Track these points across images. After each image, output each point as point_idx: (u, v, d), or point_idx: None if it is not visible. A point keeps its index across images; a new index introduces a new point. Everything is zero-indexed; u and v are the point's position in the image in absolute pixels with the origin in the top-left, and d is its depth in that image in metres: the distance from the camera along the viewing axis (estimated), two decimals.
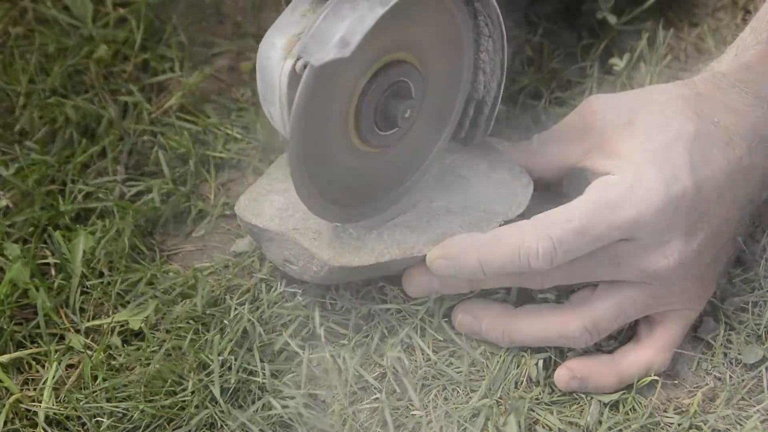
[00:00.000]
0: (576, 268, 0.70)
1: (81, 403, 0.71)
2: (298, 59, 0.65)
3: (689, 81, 0.74)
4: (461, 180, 0.76)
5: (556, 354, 0.73)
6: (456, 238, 0.71)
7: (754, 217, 0.79)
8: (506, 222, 0.73)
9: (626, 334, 0.74)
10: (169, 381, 0.71)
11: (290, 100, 0.67)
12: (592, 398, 0.71)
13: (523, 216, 0.72)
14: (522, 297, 0.74)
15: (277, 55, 0.68)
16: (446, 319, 0.74)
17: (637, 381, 0.71)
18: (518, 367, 0.72)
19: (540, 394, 0.72)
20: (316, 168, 0.68)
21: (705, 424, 0.71)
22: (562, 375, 0.71)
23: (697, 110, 0.71)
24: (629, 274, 0.70)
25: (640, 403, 0.72)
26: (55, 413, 0.71)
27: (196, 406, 0.70)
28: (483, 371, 0.72)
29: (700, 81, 0.74)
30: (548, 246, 0.68)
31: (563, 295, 0.73)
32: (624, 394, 0.72)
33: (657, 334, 0.72)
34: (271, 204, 0.75)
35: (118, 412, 0.70)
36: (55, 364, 0.73)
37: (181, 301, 0.75)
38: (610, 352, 0.73)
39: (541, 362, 0.72)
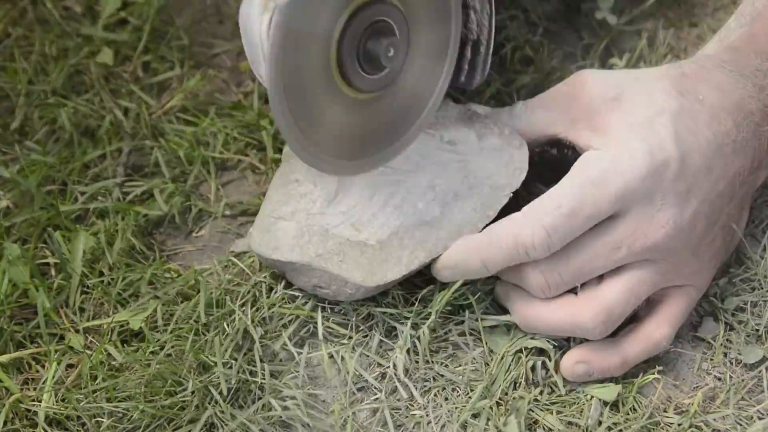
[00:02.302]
0: (580, 266, 0.70)
1: (81, 403, 0.70)
2: (274, 11, 0.64)
3: (675, 63, 0.76)
4: (456, 157, 0.76)
5: (557, 354, 0.73)
6: (454, 246, 0.72)
7: (754, 218, 0.80)
8: (514, 193, 0.74)
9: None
10: (169, 381, 0.71)
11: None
12: (592, 398, 0.71)
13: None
14: None
15: (255, 11, 0.67)
16: (444, 320, 0.74)
17: (641, 378, 0.72)
18: (517, 367, 0.72)
19: (540, 394, 0.72)
20: (306, 120, 0.67)
21: (705, 424, 0.70)
22: (566, 363, 0.72)
23: (682, 88, 0.72)
24: (631, 255, 0.70)
25: (640, 403, 0.72)
26: (55, 413, 0.71)
27: (196, 407, 0.70)
28: (482, 372, 0.72)
29: (685, 63, 0.75)
30: (542, 234, 0.69)
31: None
32: (624, 394, 0.72)
33: (658, 311, 0.73)
34: (285, 233, 0.74)
35: (118, 412, 0.70)
36: (55, 364, 0.73)
37: (182, 302, 0.76)
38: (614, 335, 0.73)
39: (540, 362, 0.72)
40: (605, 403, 0.71)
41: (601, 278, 0.72)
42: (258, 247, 0.74)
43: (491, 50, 0.75)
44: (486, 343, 0.73)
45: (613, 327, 0.71)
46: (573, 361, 0.71)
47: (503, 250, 0.70)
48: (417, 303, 0.74)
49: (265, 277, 0.77)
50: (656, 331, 0.72)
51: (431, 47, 0.72)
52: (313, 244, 0.73)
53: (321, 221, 0.74)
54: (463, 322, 0.74)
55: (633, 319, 0.74)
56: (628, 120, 0.71)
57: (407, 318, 0.74)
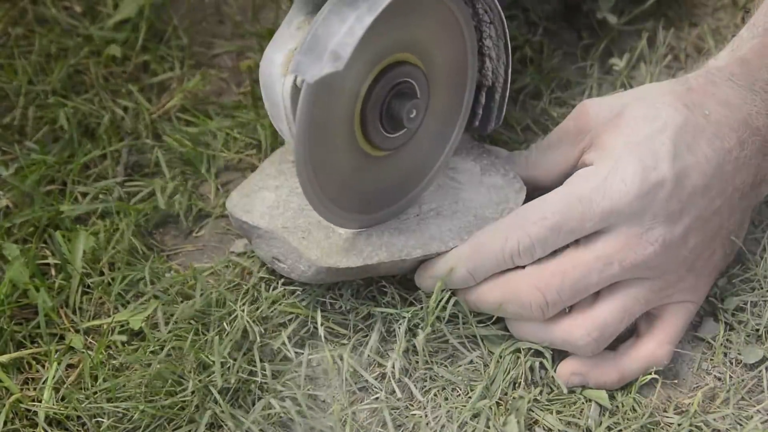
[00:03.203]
0: (575, 283, 0.70)
1: (81, 403, 0.71)
2: (297, 75, 0.66)
3: (682, 78, 0.75)
4: (453, 183, 0.77)
5: (556, 355, 0.73)
6: (440, 260, 0.72)
7: (754, 218, 0.80)
8: None
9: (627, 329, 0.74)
10: (170, 381, 0.71)
11: (295, 114, 0.67)
12: (591, 399, 0.71)
13: None
14: None
15: (277, 71, 0.69)
16: (443, 321, 0.74)
17: (640, 377, 0.72)
18: (516, 367, 0.72)
19: (539, 394, 0.72)
20: (326, 176, 0.69)
21: (705, 424, 0.70)
22: (563, 371, 0.72)
23: (687, 102, 0.72)
24: (624, 271, 0.70)
25: (640, 403, 0.72)
26: (55, 413, 0.71)
27: (196, 407, 0.70)
28: (481, 372, 0.72)
29: (692, 77, 0.74)
30: (527, 243, 0.70)
31: None
32: (624, 394, 0.72)
33: (657, 328, 0.72)
34: (263, 201, 0.75)
35: (118, 412, 0.70)
36: (55, 364, 0.73)
37: (182, 301, 0.76)
38: (612, 348, 0.73)
39: (538, 363, 0.72)
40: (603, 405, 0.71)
41: (596, 295, 0.71)
42: (233, 207, 0.75)
43: (506, 98, 0.76)
44: (485, 345, 0.73)
45: (605, 344, 0.72)
46: (569, 371, 0.72)
47: (490, 258, 0.71)
48: (416, 303, 0.74)
49: (265, 276, 0.77)
50: (657, 350, 0.72)
51: (445, 111, 0.74)
52: (285, 216, 0.74)
53: (301, 201, 0.74)
54: (458, 327, 0.74)
55: (632, 332, 0.74)
56: (627, 137, 0.71)
57: (406, 318, 0.74)
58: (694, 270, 0.72)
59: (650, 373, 0.72)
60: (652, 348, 0.72)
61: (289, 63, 0.67)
